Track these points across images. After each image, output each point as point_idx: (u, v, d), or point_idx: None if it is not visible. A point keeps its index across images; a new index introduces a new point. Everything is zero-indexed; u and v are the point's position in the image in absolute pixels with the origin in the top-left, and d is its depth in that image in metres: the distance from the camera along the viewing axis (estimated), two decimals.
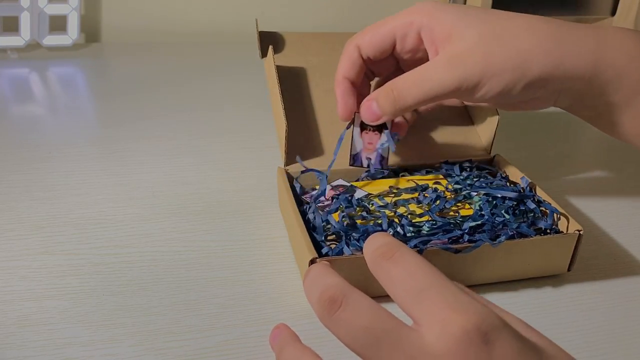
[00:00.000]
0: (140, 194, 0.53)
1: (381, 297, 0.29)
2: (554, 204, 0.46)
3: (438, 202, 0.46)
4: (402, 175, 0.51)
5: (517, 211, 0.46)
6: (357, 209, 0.45)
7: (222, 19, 0.94)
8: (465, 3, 0.93)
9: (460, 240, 0.43)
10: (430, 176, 0.51)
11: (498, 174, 0.52)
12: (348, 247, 0.41)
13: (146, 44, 0.90)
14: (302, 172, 0.49)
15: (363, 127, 0.48)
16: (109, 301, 0.41)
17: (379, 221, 0.43)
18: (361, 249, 0.41)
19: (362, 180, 0.50)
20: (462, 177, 0.50)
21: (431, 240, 0.42)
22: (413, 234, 0.43)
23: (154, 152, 0.60)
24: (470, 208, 0.46)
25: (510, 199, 0.47)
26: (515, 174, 0.51)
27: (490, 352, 0.23)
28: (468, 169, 0.52)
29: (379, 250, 0.27)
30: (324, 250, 0.41)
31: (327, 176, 0.47)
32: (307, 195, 0.48)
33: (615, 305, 0.44)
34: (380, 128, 0.48)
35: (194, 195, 0.53)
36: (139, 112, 0.68)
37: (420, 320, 0.24)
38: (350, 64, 0.46)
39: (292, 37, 0.57)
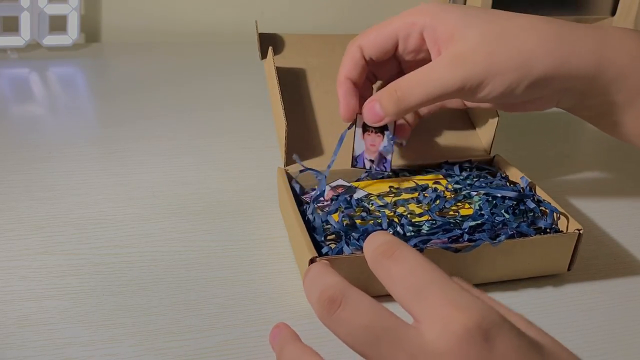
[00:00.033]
0: (140, 194, 0.53)
1: (382, 296, 0.29)
2: (553, 204, 0.46)
3: (438, 201, 0.46)
4: (402, 176, 0.51)
5: (517, 211, 0.46)
6: (357, 209, 0.45)
7: (222, 19, 0.94)
8: (465, 3, 0.93)
9: (460, 239, 0.43)
10: (430, 176, 0.51)
11: (498, 174, 0.52)
12: (348, 246, 0.41)
13: (146, 44, 0.90)
14: (301, 171, 0.49)
15: (365, 128, 0.48)
16: (109, 301, 0.41)
17: (379, 221, 0.43)
18: (361, 248, 0.41)
19: (362, 181, 0.50)
20: (462, 177, 0.50)
21: (431, 239, 0.42)
22: (413, 234, 0.43)
23: (154, 152, 0.60)
24: (470, 208, 0.46)
25: (510, 198, 0.47)
26: (515, 174, 0.51)
27: (491, 350, 0.23)
28: (468, 169, 0.52)
29: (380, 249, 0.27)
30: (324, 250, 0.41)
31: (325, 176, 0.47)
32: (307, 196, 0.48)
33: (615, 305, 0.44)
34: (382, 130, 0.47)
35: (194, 195, 0.53)
36: (139, 112, 0.68)
37: (421, 318, 0.24)
38: (352, 65, 0.46)
39: (292, 38, 0.57)
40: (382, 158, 0.48)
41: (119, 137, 0.62)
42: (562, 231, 0.45)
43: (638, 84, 0.43)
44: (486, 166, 0.53)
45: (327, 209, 0.45)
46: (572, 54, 0.42)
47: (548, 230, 0.45)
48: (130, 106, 0.70)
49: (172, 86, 0.76)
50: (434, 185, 0.49)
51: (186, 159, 0.59)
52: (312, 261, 0.39)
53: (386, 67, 0.48)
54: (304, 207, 0.46)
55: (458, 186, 0.49)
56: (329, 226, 0.43)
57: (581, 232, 0.43)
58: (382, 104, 0.44)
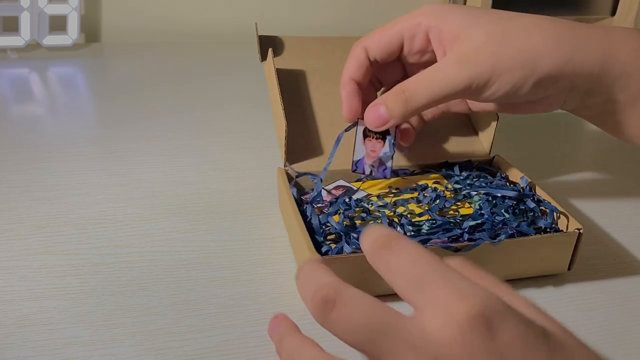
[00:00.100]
0: (140, 194, 0.53)
1: (383, 296, 0.28)
2: (553, 203, 0.46)
3: (438, 201, 0.46)
4: (402, 176, 0.51)
5: (517, 210, 0.46)
6: (357, 209, 0.45)
7: (222, 19, 0.94)
8: (465, 3, 0.93)
9: (460, 239, 0.43)
10: (430, 176, 0.51)
11: (498, 174, 0.52)
12: (348, 245, 0.41)
13: (146, 44, 0.90)
14: (297, 176, 0.49)
15: (365, 134, 0.47)
16: (109, 301, 0.41)
17: (379, 221, 0.43)
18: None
19: (363, 181, 0.50)
20: (461, 177, 0.50)
21: (431, 239, 0.42)
22: (413, 234, 0.43)
23: (154, 152, 0.60)
24: (470, 207, 0.46)
25: (510, 198, 0.47)
26: (515, 174, 0.51)
27: (494, 338, 0.22)
28: (468, 169, 0.52)
29: (378, 241, 0.26)
30: (324, 250, 0.41)
31: (321, 179, 0.47)
32: (307, 196, 0.48)
33: (616, 305, 0.44)
34: (383, 136, 0.47)
35: (194, 195, 0.53)
36: (139, 112, 0.68)
37: (423, 308, 0.24)
38: (357, 66, 0.46)
39: (292, 40, 0.57)
40: (382, 164, 0.48)
41: (119, 137, 0.62)
42: (562, 231, 0.45)
43: None
44: (486, 166, 0.53)
45: (326, 210, 0.45)
46: (577, 52, 0.42)
47: (548, 229, 0.45)
48: (130, 106, 0.70)
49: (172, 86, 0.76)
50: (434, 185, 0.49)
51: (186, 159, 0.59)
52: None
53: (390, 70, 0.48)
54: (304, 207, 0.46)
55: (458, 186, 0.49)
56: (328, 227, 0.43)
57: (581, 231, 0.43)
58: (388, 106, 0.44)
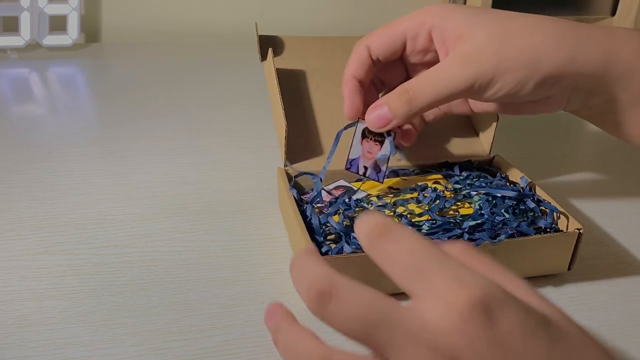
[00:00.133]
0: (140, 194, 0.53)
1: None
2: (553, 203, 0.46)
3: (438, 201, 0.46)
4: (402, 176, 0.51)
5: (517, 210, 0.46)
6: (357, 209, 0.45)
7: (222, 20, 0.94)
8: (465, 3, 0.93)
9: (460, 239, 0.43)
10: (429, 176, 0.51)
11: (498, 174, 0.52)
12: (348, 245, 0.41)
13: (146, 44, 0.90)
14: (296, 176, 0.49)
15: (364, 135, 0.47)
16: (109, 301, 0.41)
17: None
18: (361, 247, 0.41)
19: (363, 181, 0.50)
20: (461, 177, 0.50)
21: (431, 239, 0.42)
22: None
23: (154, 152, 0.60)
24: (470, 207, 0.46)
25: (510, 198, 0.47)
26: (515, 174, 0.51)
27: (494, 326, 0.22)
28: (468, 170, 0.52)
29: (374, 230, 0.26)
30: (324, 250, 0.41)
31: (321, 179, 0.47)
32: (307, 196, 0.48)
33: (616, 305, 0.44)
34: (382, 139, 0.47)
35: (194, 195, 0.53)
36: (139, 112, 0.68)
37: (422, 297, 0.24)
38: (359, 64, 0.46)
39: (292, 40, 0.57)
40: (377, 167, 0.48)
41: (119, 137, 0.62)
42: (562, 231, 0.45)
43: None
44: (486, 166, 0.53)
45: (326, 210, 0.45)
46: (579, 51, 0.42)
47: (548, 229, 0.45)
48: (130, 106, 0.70)
49: (172, 86, 0.76)
50: (433, 185, 0.49)
51: (186, 159, 0.59)
52: None
53: (392, 71, 0.48)
54: (304, 207, 0.46)
55: (458, 186, 0.49)
56: (328, 228, 0.43)
57: (581, 231, 0.43)
58: (391, 106, 0.43)
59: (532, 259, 0.44)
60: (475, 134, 0.56)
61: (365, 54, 0.46)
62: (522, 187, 0.49)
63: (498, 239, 0.42)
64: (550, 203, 0.46)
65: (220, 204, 0.52)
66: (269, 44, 0.55)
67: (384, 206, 0.46)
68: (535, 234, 0.44)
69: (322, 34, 0.60)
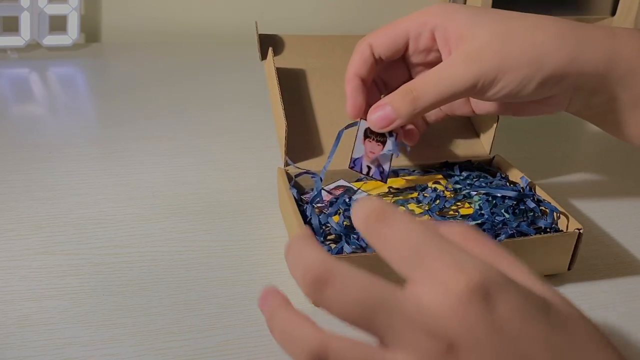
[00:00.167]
0: (140, 194, 0.53)
1: None
2: (553, 203, 0.46)
3: (438, 201, 0.46)
4: (402, 176, 0.51)
5: (517, 210, 0.46)
6: None
7: (222, 20, 0.94)
8: (465, 3, 0.93)
9: None
10: (430, 176, 0.51)
11: (498, 174, 0.52)
12: (348, 245, 0.41)
13: (146, 44, 0.90)
14: (296, 176, 0.49)
15: (366, 135, 0.47)
16: (109, 301, 0.41)
17: None
18: (361, 247, 0.41)
19: (363, 181, 0.50)
20: (461, 177, 0.50)
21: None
22: None
23: (154, 152, 0.60)
24: (470, 207, 0.46)
25: (510, 198, 0.47)
26: (515, 174, 0.51)
27: (492, 311, 0.22)
28: (468, 170, 0.52)
29: (372, 215, 0.25)
30: (324, 249, 0.41)
31: (321, 178, 0.47)
32: (307, 196, 0.48)
33: (615, 305, 0.44)
34: (384, 140, 0.47)
35: (194, 195, 0.53)
36: (139, 112, 0.68)
37: (420, 282, 0.23)
38: (362, 62, 0.46)
39: (292, 39, 0.57)
40: (379, 167, 0.48)
41: (119, 137, 0.62)
42: (562, 231, 0.45)
43: None
44: (486, 166, 0.53)
45: (326, 210, 0.45)
46: (581, 51, 0.42)
47: (548, 229, 0.45)
48: (130, 106, 0.70)
49: (172, 86, 0.76)
50: (433, 185, 0.49)
51: (186, 159, 0.59)
52: None
53: (395, 71, 0.48)
54: (304, 207, 0.46)
55: (458, 186, 0.49)
56: (328, 228, 0.43)
57: (581, 231, 0.43)
58: (394, 105, 0.43)
59: (532, 259, 0.44)
60: (476, 134, 0.56)
61: (368, 52, 0.46)
62: (522, 187, 0.49)
63: (498, 239, 0.42)
64: (550, 203, 0.46)
65: (220, 204, 0.52)
66: (269, 43, 0.55)
67: None
68: (535, 234, 0.44)
69: (322, 34, 0.60)
